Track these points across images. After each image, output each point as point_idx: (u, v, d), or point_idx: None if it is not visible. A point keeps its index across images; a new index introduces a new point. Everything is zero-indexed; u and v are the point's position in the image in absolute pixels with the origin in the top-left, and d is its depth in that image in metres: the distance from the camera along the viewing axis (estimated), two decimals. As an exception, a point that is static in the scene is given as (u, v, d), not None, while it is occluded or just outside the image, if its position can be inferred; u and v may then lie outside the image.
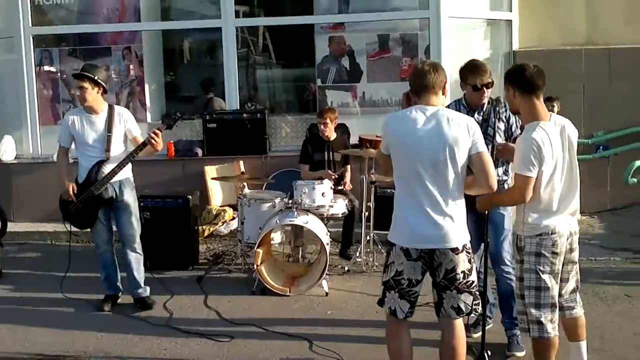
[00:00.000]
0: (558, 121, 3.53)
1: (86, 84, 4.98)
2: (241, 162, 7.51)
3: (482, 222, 3.89)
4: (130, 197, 5.17)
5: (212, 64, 10.24)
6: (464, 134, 3.33)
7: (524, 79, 3.48)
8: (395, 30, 8.02)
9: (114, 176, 5.02)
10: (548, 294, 3.50)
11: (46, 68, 8.45)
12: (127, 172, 5.16)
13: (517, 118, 4.25)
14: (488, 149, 4.06)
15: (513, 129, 4.31)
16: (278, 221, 5.60)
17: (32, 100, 8.06)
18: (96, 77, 5.00)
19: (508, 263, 4.29)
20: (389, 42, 8.03)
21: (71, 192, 5.02)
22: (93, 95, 5.01)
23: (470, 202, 3.88)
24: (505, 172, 4.35)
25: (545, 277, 3.48)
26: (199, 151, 7.66)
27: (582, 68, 7.75)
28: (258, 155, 7.53)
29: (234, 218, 7.18)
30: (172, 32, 9.62)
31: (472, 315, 4.34)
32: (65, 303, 5.40)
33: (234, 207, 7.19)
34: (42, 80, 8.36)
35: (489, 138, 4.20)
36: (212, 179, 7.24)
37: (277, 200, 5.93)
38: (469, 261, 3.43)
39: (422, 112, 3.35)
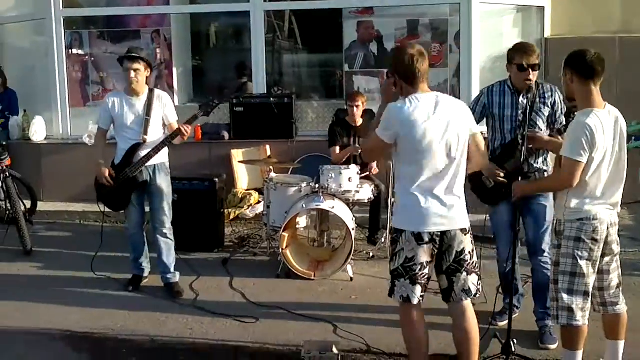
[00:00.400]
0: (612, 111, 3.48)
1: (140, 66, 4.97)
2: (267, 146, 7.52)
3: (516, 211, 3.86)
4: (164, 182, 5.17)
5: (240, 49, 10.24)
6: (465, 117, 3.47)
7: (584, 63, 3.42)
8: (425, 15, 7.94)
9: (149, 159, 5.01)
10: (583, 281, 3.45)
11: (76, 50, 8.54)
12: (163, 157, 5.15)
13: (563, 105, 4.19)
14: (527, 133, 4.03)
15: (557, 116, 4.23)
16: (304, 205, 5.61)
17: (62, 81, 8.16)
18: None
19: (547, 254, 4.23)
20: (418, 28, 7.94)
21: (108, 176, 5.02)
22: (144, 77, 5.03)
23: (507, 192, 3.84)
24: (545, 162, 4.29)
25: (582, 263, 3.43)
26: (226, 134, 7.69)
27: (616, 56, 7.59)
28: (285, 140, 7.54)
29: (259, 202, 7.20)
30: (201, 15, 9.63)
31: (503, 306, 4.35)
32: (93, 281, 5.48)
33: (260, 191, 7.21)
34: (72, 62, 8.45)
35: (531, 123, 4.16)
36: (239, 162, 7.26)
37: (304, 185, 5.94)
38: (472, 242, 3.53)
39: (426, 101, 3.37)
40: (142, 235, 5.31)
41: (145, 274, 5.38)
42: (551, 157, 4.27)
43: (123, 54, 5.16)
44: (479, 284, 3.55)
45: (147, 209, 5.36)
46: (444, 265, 3.47)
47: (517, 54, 4.16)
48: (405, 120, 3.34)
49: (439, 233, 3.39)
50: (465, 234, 3.45)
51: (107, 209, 5.32)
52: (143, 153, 5.01)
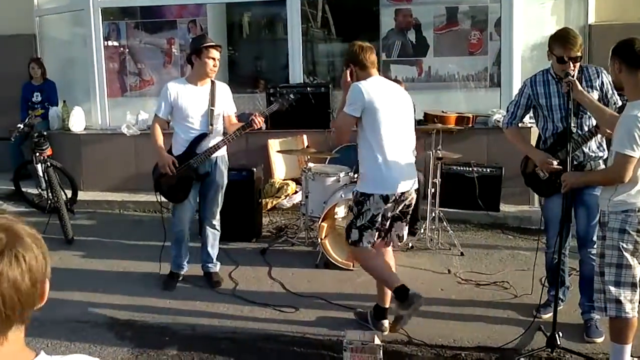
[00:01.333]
0: None
1: (218, 56, 4.90)
2: (304, 136, 7.49)
3: (569, 202, 3.75)
4: (223, 175, 5.10)
5: (275, 38, 10.22)
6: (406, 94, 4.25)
7: (632, 52, 3.32)
8: (464, 2, 7.81)
9: (216, 150, 4.91)
10: (629, 272, 3.37)
11: (113, 41, 8.61)
12: (224, 149, 5.06)
13: (612, 86, 4.04)
14: (584, 122, 4.06)
15: (609, 96, 4.06)
16: (343, 195, 5.56)
17: (100, 72, 8.23)
18: None
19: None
20: (457, 15, 7.82)
21: (172, 165, 4.86)
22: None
23: (556, 182, 3.74)
24: (600, 147, 4.15)
25: (627, 254, 3.36)
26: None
27: (662, 43, 7.36)
28: (322, 130, 7.49)
29: (296, 192, 7.18)
30: (236, 5, 9.63)
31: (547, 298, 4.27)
32: (134, 270, 5.52)
33: (297, 181, 7.19)
34: (110, 53, 8.52)
35: (582, 109, 4.03)
36: (277, 152, 7.24)
37: (342, 175, 5.89)
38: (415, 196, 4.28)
39: (385, 82, 4.15)
40: (188, 231, 5.19)
41: (184, 271, 5.26)
42: (606, 143, 4.14)
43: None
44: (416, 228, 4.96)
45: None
46: (393, 213, 4.15)
47: (557, 45, 3.99)
48: (371, 96, 3.95)
49: (402, 192, 4.05)
50: (416, 192, 4.24)
51: (164, 199, 5.14)
52: (207, 144, 4.91)
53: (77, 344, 4.20)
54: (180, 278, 5.24)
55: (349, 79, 4.13)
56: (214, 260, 5.28)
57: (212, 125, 4.93)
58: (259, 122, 4.87)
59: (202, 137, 4.92)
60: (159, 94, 5.08)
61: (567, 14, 7.97)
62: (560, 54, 3.96)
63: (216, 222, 5.19)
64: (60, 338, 4.28)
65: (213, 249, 5.24)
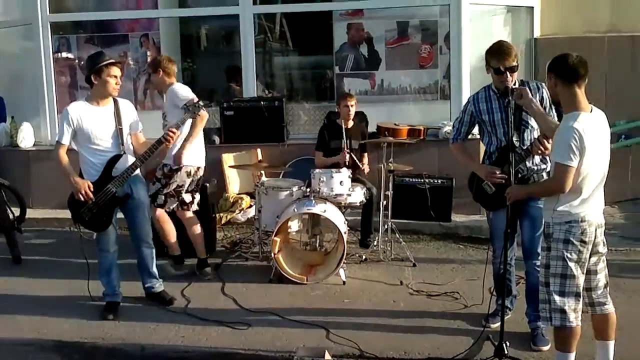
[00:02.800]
0: (597, 113, 3.48)
1: (120, 73, 4.73)
2: (259, 150, 7.49)
3: (514, 214, 3.84)
4: (144, 193, 4.97)
5: (230, 51, 10.19)
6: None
7: (566, 67, 3.42)
8: (415, 17, 7.92)
9: (134, 171, 4.72)
10: (573, 282, 3.46)
11: (64, 55, 8.47)
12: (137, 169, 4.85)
13: (551, 102, 4.16)
14: (526, 136, 4.14)
15: (547, 111, 4.15)
16: (296, 209, 5.57)
17: (50, 87, 8.08)
18: None
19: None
20: (408, 29, 7.93)
21: (89, 192, 4.62)
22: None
23: (503, 196, 3.82)
24: (543, 160, 4.25)
25: (572, 265, 3.44)
26: (217, 139, 7.64)
27: (604, 56, 7.61)
28: (276, 143, 7.50)
29: (251, 206, 7.16)
30: (190, 19, 9.58)
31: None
32: (83, 290, 5.41)
33: (251, 195, 7.18)
34: (60, 67, 8.39)
35: (524, 123, 4.14)
36: (230, 167, 7.23)
37: (295, 189, 5.90)
38: None
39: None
40: (116, 255, 4.98)
41: (120, 299, 5.05)
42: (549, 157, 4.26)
43: (112, 58, 4.80)
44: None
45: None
46: None
47: (493, 57, 4.10)
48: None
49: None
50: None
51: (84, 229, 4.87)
52: (124, 165, 4.70)
53: (22, 368, 4.11)
54: (120, 304, 5.01)
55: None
56: (158, 278, 5.17)
57: (123, 144, 4.73)
58: (171, 135, 4.70)
59: (116, 158, 4.71)
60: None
61: (515, 27, 8.18)
62: (497, 65, 4.06)
63: (150, 240, 5.06)
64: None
65: (154, 268, 5.12)
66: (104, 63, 4.65)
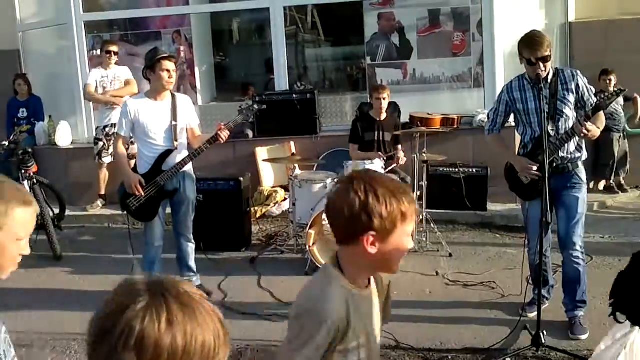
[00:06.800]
0: None
1: (173, 67, 4.80)
2: (292, 143, 7.49)
3: (550, 204, 3.79)
4: (192, 189, 5.05)
5: (262, 44, 10.23)
6: None
7: None
8: (446, 4, 7.82)
9: (183, 167, 4.82)
10: None
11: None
12: (190, 164, 4.99)
13: (589, 87, 4.09)
14: (561, 125, 4.02)
15: (585, 99, 4.10)
16: (329, 201, 5.56)
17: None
18: None
19: (578, 248, 4.16)
20: (440, 17, 7.83)
21: (139, 186, 4.76)
22: (175, 78, 4.87)
23: (537, 186, 3.76)
24: (578, 149, 4.18)
25: None
26: (250, 133, 7.67)
27: (643, 38, 7.40)
28: (308, 136, 7.50)
29: (285, 199, 7.19)
30: (221, 14, 9.64)
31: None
32: (122, 284, 5.50)
33: (286, 188, 7.20)
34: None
35: (559, 112, 4.07)
36: (264, 160, 7.26)
37: (329, 181, 5.90)
38: None
39: None
40: (161, 249, 5.06)
41: None
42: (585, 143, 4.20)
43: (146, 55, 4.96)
44: None
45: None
46: None
47: (525, 48, 4.04)
48: None
49: None
50: None
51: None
52: (173, 160, 4.83)
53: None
54: None
55: None
56: (196, 272, 5.24)
57: (176, 140, 4.84)
58: (225, 136, 4.81)
59: (167, 153, 4.83)
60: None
61: (549, 11, 8.02)
62: (529, 56, 4.00)
63: (191, 235, 5.13)
64: (47, 357, 4.31)
65: (193, 262, 5.19)
66: (157, 57, 4.77)
